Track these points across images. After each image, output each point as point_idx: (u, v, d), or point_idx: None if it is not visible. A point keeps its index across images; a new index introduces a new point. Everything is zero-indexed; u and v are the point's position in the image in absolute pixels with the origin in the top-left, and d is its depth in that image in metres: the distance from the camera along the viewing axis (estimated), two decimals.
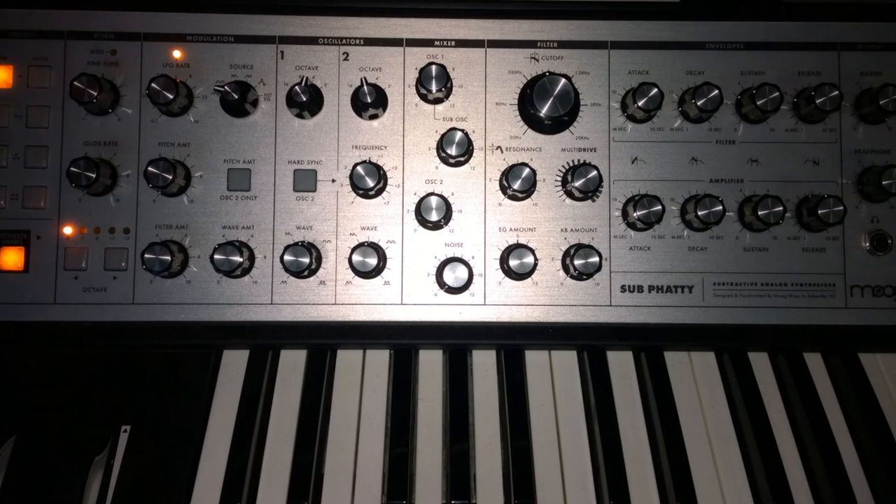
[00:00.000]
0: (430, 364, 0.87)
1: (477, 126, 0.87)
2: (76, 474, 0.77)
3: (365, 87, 0.83)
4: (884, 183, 0.84)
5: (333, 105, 0.87)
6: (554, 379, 0.86)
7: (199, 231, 0.85)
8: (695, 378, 0.87)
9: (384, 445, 0.80)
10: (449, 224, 0.86)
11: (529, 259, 0.83)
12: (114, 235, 0.85)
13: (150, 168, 0.82)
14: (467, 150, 0.84)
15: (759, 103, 0.83)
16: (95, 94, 0.82)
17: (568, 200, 0.87)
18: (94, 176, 0.81)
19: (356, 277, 0.85)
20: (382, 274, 0.85)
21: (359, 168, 0.83)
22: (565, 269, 0.85)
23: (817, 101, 0.84)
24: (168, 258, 0.81)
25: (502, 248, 0.86)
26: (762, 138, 0.87)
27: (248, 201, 0.85)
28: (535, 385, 0.85)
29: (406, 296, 0.85)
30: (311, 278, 0.85)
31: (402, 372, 0.85)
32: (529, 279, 0.86)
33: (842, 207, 0.83)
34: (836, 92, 0.84)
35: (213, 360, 0.86)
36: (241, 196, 0.85)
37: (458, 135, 0.83)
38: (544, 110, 0.84)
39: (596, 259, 0.83)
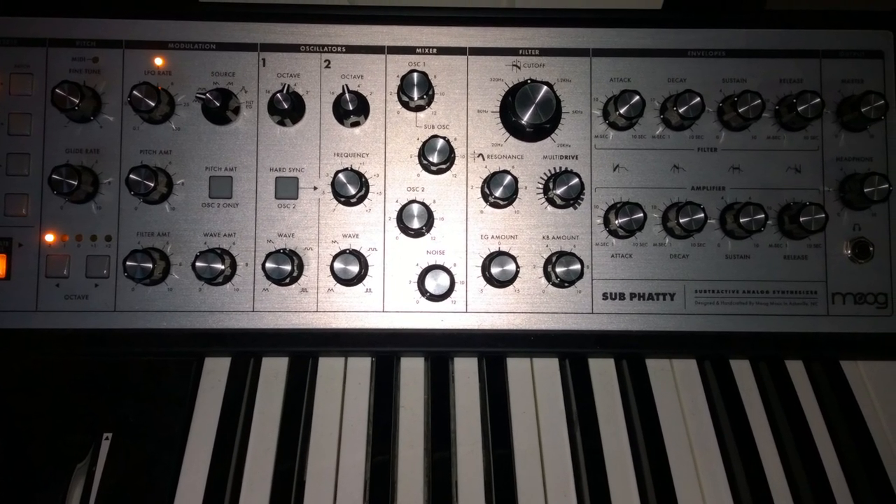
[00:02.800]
0: (412, 371, 0.87)
1: (459, 133, 0.87)
2: (58, 482, 0.77)
3: (347, 95, 0.83)
4: (865, 190, 0.84)
5: (315, 112, 0.86)
6: (536, 386, 0.86)
7: (181, 238, 0.85)
8: (676, 385, 0.87)
9: (366, 453, 0.80)
10: (430, 232, 0.86)
11: (511, 266, 0.83)
12: (95, 243, 0.85)
13: (131, 175, 0.82)
14: (449, 158, 0.84)
15: (740, 111, 0.83)
16: (77, 101, 0.82)
17: (550, 208, 0.87)
18: (75, 183, 0.81)
19: (338, 285, 0.85)
20: (364, 281, 0.85)
21: (340, 175, 0.83)
22: (547, 276, 0.85)
23: (799, 109, 0.84)
24: (150, 266, 0.81)
25: (484, 256, 0.86)
26: (744, 146, 0.87)
27: (230, 209, 0.85)
28: (516, 393, 0.85)
29: (388, 303, 0.85)
30: (293, 286, 0.85)
31: (384, 379, 0.85)
32: (511, 287, 0.86)
33: (823, 215, 0.83)
34: (818, 99, 0.84)
35: (195, 367, 0.85)
36: (222, 203, 0.85)
37: (440, 142, 0.83)
38: (526, 118, 0.84)
39: (577, 266, 0.83)
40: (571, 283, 0.84)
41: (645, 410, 0.83)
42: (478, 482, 0.78)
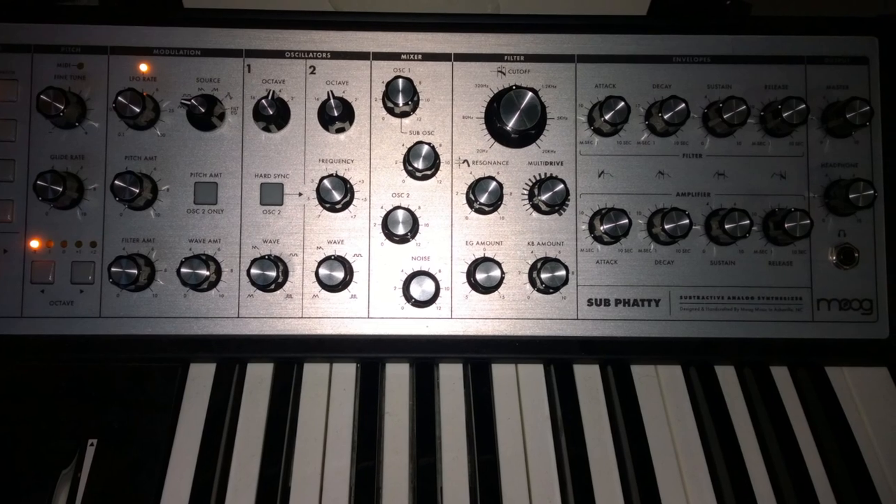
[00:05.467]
0: (397, 377, 0.87)
1: (444, 139, 0.87)
2: (42, 488, 0.77)
3: (332, 101, 0.83)
4: (850, 196, 0.84)
5: (300, 118, 0.86)
6: (521, 392, 0.86)
7: (166, 244, 0.85)
8: (662, 391, 0.87)
9: (351, 459, 0.80)
10: (416, 238, 0.86)
11: (496, 272, 0.83)
12: (80, 249, 0.85)
13: (116, 181, 0.82)
14: (434, 164, 0.84)
15: (725, 117, 0.83)
16: (62, 107, 0.82)
17: (535, 214, 0.87)
18: (60, 189, 0.81)
19: (323, 291, 0.85)
20: (349, 287, 0.85)
21: (325, 181, 0.83)
22: (532, 282, 0.85)
23: (784, 115, 0.84)
24: (135, 272, 0.81)
25: (469, 262, 0.86)
26: (729, 152, 0.87)
27: (215, 215, 0.85)
28: (501, 399, 0.85)
29: (373, 309, 0.85)
30: (278, 292, 0.85)
31: (369, 385, 0.85)
32: (496, 293, 0.86)
33: (808, 221, 0.83)
34: (803, 105, 0.84)
35: (180, 373, 0.85)
36: (207, 209, 0.85)
37: (425, 148, 0.83)
38: (511, 124, 0.84)
39: (563, 272, 0.83)
40: (556, 289, 0.84)
41: (630, 416, 0.84)
42: (463, 488, 0.78)
